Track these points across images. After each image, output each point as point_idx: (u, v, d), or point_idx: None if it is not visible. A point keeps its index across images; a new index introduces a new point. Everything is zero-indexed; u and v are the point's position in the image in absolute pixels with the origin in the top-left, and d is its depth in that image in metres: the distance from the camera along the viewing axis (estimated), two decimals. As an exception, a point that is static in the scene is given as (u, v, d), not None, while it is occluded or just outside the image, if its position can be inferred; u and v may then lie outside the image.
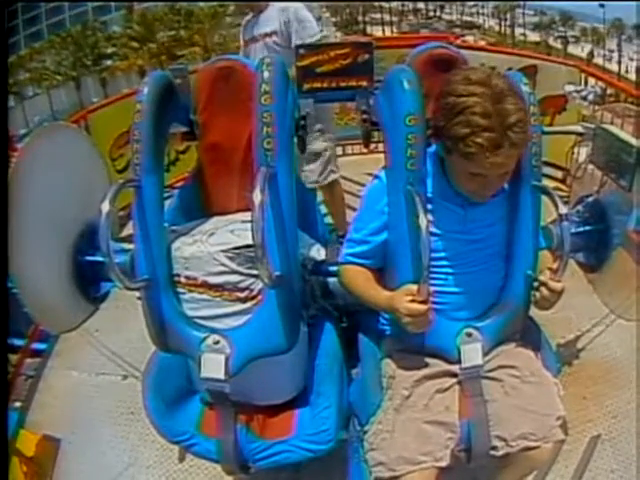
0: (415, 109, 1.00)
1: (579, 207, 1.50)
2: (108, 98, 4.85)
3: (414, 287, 0.96)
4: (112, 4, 25.92)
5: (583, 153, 1.76)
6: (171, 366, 1.21)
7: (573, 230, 1.36)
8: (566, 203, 1.36)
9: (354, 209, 2.14)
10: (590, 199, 1.50)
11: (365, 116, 1.37)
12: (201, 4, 25.29)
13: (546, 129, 1.45)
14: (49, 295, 1.33)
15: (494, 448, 1.02)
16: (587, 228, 1.45)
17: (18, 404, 1.86)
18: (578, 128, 1.69)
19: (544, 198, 1.07)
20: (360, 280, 1.10)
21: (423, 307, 0.95)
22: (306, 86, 1.39)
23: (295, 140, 1.21)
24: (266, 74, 1.06)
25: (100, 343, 2.00)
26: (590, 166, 1.58)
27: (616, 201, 1.42)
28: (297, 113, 1.23)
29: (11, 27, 21.41)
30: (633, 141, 1.36)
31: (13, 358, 2.00)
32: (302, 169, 2.12)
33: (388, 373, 1.10)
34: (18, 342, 2.06)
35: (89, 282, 1.40)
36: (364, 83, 1.39)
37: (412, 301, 0.96)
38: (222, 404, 1.09)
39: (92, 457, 1.66)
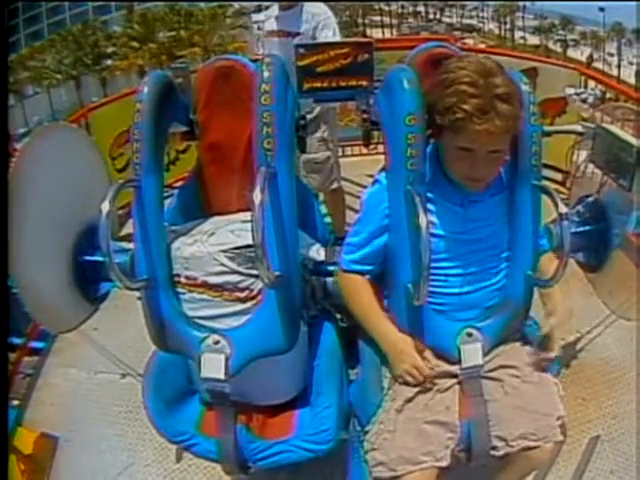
0: (415, 109, 1.00)
1: (579, 207, 1.50)
2: (108, 97, 4.85)
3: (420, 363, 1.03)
4: (112, 4, 25.94)
5: (583, 155, 1.77)
6: (171, 366, 1.21)
7: (573, 230, 1.36)
8: (566, 205, 1.37)
9: (354, 210, 2.14)
10: (590, 199, 1.50)
11: (365, 116, 1.37)
12: (201, 5, 25.33)
13: (546, 128, 1.45)
14: (49, 295, 1.32)
15: (494, 448, 1.02)
16: (587, 228, 1.45)
17: (16, 402, 1.86)
18: (578, 128, 1.69)
19: (544, 198, 1.07)
20: (363, 298, 1.09)
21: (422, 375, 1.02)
22: (306, 86, 1.39)
23: (295, 140, 1.21)
24: (266, 74, 1.06)
25: (99, 342, 2.00)
26: (590, 166, 1.58)
27: (616, 201, 1.42)
28: (297, 113, 1.23)
29: (12, 26, 21.42)
30: (633, 141, 1.36)
31: (11, 356, 1.99)
32: (303, 175, 2.12)
33: (389, 374, 1.09)
34: (16, 340, 2.05)
35: (89, 282, 1.40)
36: (364, 83, 1.38)
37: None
38: (222, 404, 1.09)
39: (90, 455, 1.66)
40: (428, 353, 1.06)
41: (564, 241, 1.01)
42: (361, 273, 1.10)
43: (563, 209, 1.01)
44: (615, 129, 1.48)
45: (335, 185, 2.28)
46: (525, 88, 1.04)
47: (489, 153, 0.96)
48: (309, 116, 1.34)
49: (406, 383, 1.04)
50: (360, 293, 1.10)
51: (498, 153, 0.98)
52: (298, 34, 2.05)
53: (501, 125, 0.92)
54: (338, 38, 2.10)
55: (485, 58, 0.98)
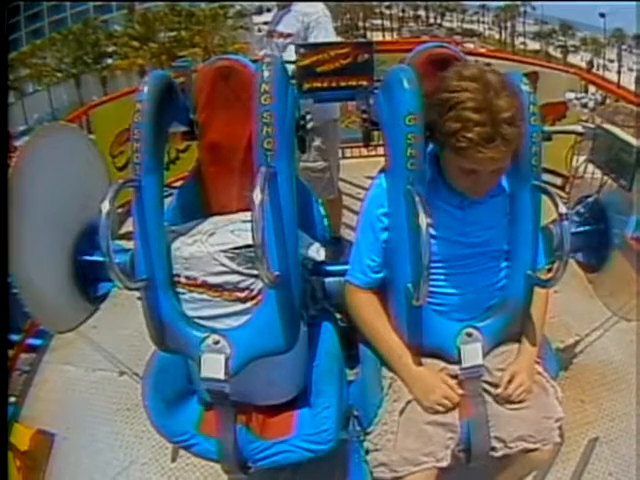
0: (415, 109, 1.00)
1: (579, 207, 1.51)
2: (108, 96, 4.86)
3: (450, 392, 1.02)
4: (113, 3, 25.99)
5: (582, 159, 1.78)
6: (171, 366, 1.20)
7: (573, 230, 1.37)
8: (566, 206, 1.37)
9: (354, 211, 2.14)
10: (590, 199, 1.50)
11: (365, 116, 1.37)
12: (202, 5, 25.36)
13: (546, 128, 1.45)
14: (49, 295, 1.32)
15: (493, 449, 1.02)
16: (587, 228, 1.45)
17: (13, 399, 1.85)
18: (578, 128, 1.69)
19: (544, 198, 1.07)
20: (377, 323, 1.09)
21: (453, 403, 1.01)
22: (306, 86, 1.39)
23: (295, 140, 1.21)
24: (266, 74, 1.06)
25: (97, 339, 2.00)
26: (590, 167, 1.59)
27: (616, 201, 1.42)
28: (297, 113, 1.23)
29: (12, 24, 21.43)
30: (633, 141, 1.36)
31: (9, 353, 1.99)
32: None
33: (389, 373, 1.09)
34: (14, 337, 2.05)
35: (89, 282, 1.40)
36: (364, 83, 1.38)
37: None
38: (222, 404, 1.09)
39: (87, 453, 1.65)
40: (446, 376, 1.05)
41: (564, 241, 1.01)
42: (375, 284, 1.09)
43: (563, 209, 1.01)
44: (615, 129, 1.48)
45: (332, 196, 2.25)
46: (525, 88, 1.03)
47: (492, 171, 0.96)
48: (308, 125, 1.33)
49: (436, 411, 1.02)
50: (372, 316, 1.09)
51: (501, 167, 0.98)
52: (290, 35, 2.02)
53: (506, 150, 0.92)
54: (331, 39, 2.04)
55: (486, 70, 0.94)
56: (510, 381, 1.04)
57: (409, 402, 1.04)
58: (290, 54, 1.50)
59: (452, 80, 0.94)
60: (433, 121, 0.96)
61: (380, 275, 1.09)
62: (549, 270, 1.14)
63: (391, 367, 1.08)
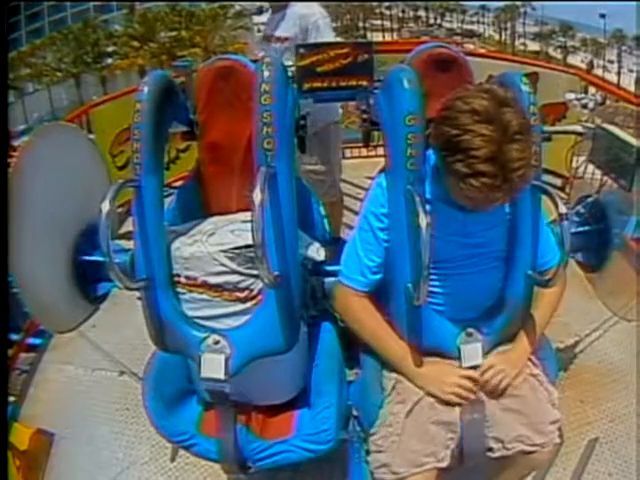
0: (415, 109, 1.00)
1: (579, 207, 1.51)
2: (108, 95, 4.85)
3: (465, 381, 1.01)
4: (114, 3, 26.01)
5: (582, 160, 1.78)
6: (171, 366, 1.21)
7: (573, 230, 1.37)
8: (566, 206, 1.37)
9: (354, 212, 2.14)
10: (590, 199, 1.50)
11: (365, 116, 1.37)
12: (202, 5, 25.36)
13: (546, 128, 1.45)
14: (49, 295, 1.32)
15: (490, 449, 1.03)
16: (587, 228, 1.45)
17: (12, 398, 1.86)
18: (578, 128, 1.69)
19: (544, 198, 1.07)
20: (378, 329, 1.08)
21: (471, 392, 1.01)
22: (306, 86, 1.39)
23: (295, 140, 1.21)
24: (266, 74, 1.06)
25: (97, 339, 2.00)
26: (590, 167, 1.59)
27: (616, 201, 1.43)
28: (297, 113, 1.23)
29: (13, 23, 21.44)
30: (633, 141, 1.37)
31: (8, 352, 1.99)
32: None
33: (392, 374, 1.09)
34: (14, 337, 2.05)
35: (89, 282, 1.40)
36: (364, 83, 1.39)
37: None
38: (222, 404, 1.09)
39: (87, 453, 1.65)
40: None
41: (564, 241, 1.01)
42: (372, 286, 1.08)
43: (563, 209, 1.00)
44: (615, 129, 1.48)
45: (334, 198, 2.24)
46: (525, 88, 1.04)
47: None
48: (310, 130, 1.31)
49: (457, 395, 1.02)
50: (373, 322, 1.08)
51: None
52: (287, 39, 1.98)
53: (512, 196, 0.92)
54: (330, 40, 1.98)
55: (500, 103, 0.86)
56: (488, 369, 1.04)
57: (416, 404, 1.03)
58: (288, 61, 1.49)
59: (465, 114, 0.86)
60: (440, 149, 0.93)
61: (378, 276, 1.08)
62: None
63: (396, 369, 1.08)
